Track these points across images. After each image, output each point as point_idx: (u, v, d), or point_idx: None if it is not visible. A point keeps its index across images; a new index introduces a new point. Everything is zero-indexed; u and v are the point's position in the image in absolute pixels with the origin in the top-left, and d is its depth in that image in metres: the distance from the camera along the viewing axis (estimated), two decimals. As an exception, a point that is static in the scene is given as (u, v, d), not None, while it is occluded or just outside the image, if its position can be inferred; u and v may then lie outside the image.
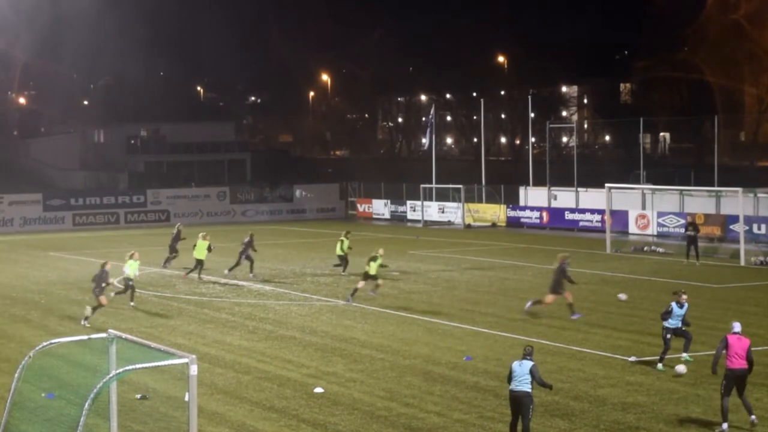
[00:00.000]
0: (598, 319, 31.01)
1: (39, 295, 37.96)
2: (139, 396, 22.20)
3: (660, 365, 24.21)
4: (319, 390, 22.69)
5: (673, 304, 24.42)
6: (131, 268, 34.37)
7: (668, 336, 24.38)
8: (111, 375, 16.00)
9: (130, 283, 34.55)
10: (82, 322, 31.16)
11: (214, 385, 23.43)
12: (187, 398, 15.68)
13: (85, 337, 18.13)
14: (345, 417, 20.67)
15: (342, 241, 42.25)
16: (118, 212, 71.32)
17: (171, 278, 42.28)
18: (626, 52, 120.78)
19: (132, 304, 34.69)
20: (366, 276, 35.18)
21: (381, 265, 35.18)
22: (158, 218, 72.04)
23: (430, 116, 71.38)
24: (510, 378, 18.43)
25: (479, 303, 34.40)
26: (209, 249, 41.96)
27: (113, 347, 16.96)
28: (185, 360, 15.11)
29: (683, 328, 24.56)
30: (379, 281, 35.50)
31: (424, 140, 72.91)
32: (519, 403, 18.26)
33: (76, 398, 21.40)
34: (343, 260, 42.40)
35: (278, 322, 31.62)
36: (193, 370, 15.02)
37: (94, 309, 31.76)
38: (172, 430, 20.01)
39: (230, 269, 42.54)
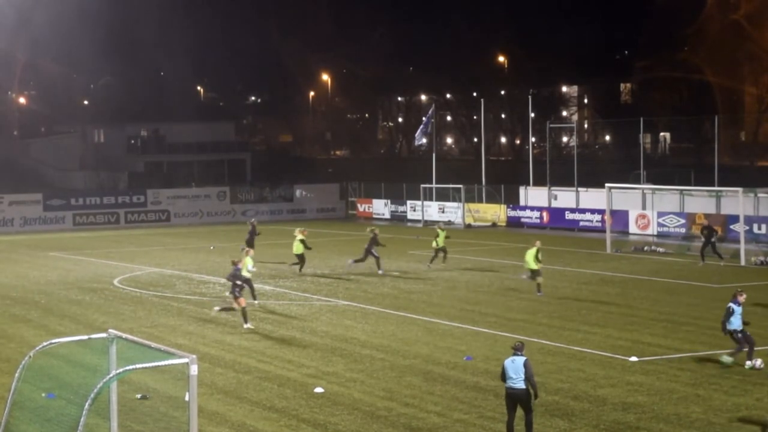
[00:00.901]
0: (598, 319, 31.01)
1: (39, 295, 37.97)
2: (139, 396, 22.20)
3: (749, 362, 24.11)
4: (319, 390, 22.69)
5: (732, 304, 24.24)
6: (246, 265, 33.31)
7: (739, 335, 24.12)
8: (111, 375, 15.99)
9: (247, 278, 33.08)
10: (246, 326, 30.17)
11: (214, 385, 23.43)
12: (187, 398, 15.68)
13: (85, 337, 18.12)
14: (345, 417, 20.67)
15: (438, 233, 43.39)
16: (118, 212, 71.33)
17: (171, 278, 42.29)
18: (626, 52, 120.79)
19: (257, 303, 34.02)
20: (532, 272, 35.63)
21: (536, 258, 35.41)
22: (158, 218, 72.05)
23: (429, 114, 71.26)
24: (504, 376, 18.40)
25: (479, 303, 34.40)
26: (304, 244, 42.11)
27: (113, 347, 16.95)
28: (185, 360, 15.10)
29: (744, 330, 24.18)
30: (540, 279, 35.52)
31: (422, 140, 72.61)
32: (519, 401, 18.29)
33: (76, 398, 21.40)
34: (442, 251, 43.31)
35: (278, 322, 31.62)
36: (193, 370, 15.01)
37: (243, 313, 30.47)
38: (172, 430, 20.01)
39: (355, 261, 43.09)
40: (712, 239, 43.47)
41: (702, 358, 25.25)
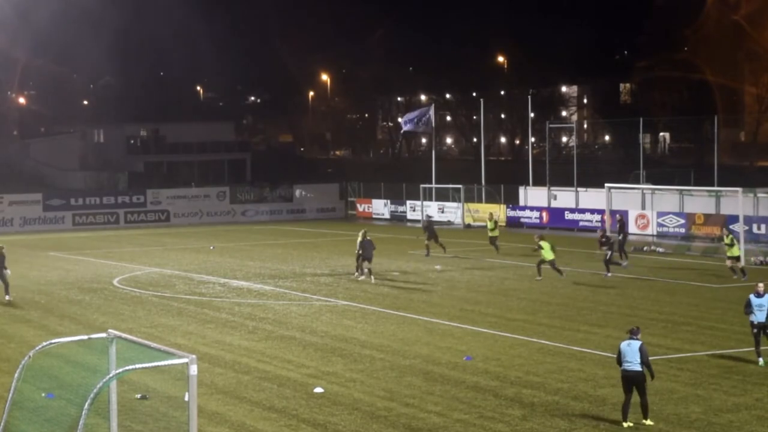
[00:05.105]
0: (598, 319, 31.00)
1: (39, 295, 37.97)
2: (139, 396, 22.20)
3: (760, 360, 24.16)
4: (319, 390, 22.69)
5: (751, 295, 24.31)
6: (546, 250, 38.17)
7: (754, 330, 24.24)
8: (111, 375, 15.98)
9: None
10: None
11: (214, 385, 23.43)
12: (187, 398, 15.69)
13: (85, 337, 18.11)
14: (345, 417, 20.67)
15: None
16: (118, 212, 71.33)
17: (171, 278, 42.30)
18: (626, 52, 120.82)
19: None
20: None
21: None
22: (158, 218, 72.05)
23: (424, 110, 71.08)
24: (619, 359, 19.54)
25: (479, 303, 34.40)
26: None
27: (113, 347, 16.94)
28: (185, 360, 15.10)
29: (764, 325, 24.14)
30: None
31: (407, 126, 72.43)
32: (634, 382, 19.37)
33: (76, 398, 21.40)
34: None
35: (278, 322, 31.62)
36: (193, 370, 15.01)
37: None
38: (172, 430, 20.01)
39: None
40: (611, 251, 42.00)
41: (701, 357, 25.25)
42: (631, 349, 19.41)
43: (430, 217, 57.02)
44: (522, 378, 23.54)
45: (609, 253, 40.18)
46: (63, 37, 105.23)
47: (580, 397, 21.81)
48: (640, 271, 41.95)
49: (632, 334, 19.63)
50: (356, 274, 40.69)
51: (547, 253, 38.72)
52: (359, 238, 40.38)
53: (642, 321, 30.34)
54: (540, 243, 39.19)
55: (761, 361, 24.15)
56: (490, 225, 49.27)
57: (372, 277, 39.71)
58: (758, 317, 24.15)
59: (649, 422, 19.56)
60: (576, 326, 29.81)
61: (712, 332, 28.27)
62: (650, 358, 25.09)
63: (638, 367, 19.38)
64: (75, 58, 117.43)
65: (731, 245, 38.44)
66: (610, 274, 39.93)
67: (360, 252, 40.11)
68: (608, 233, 41.32)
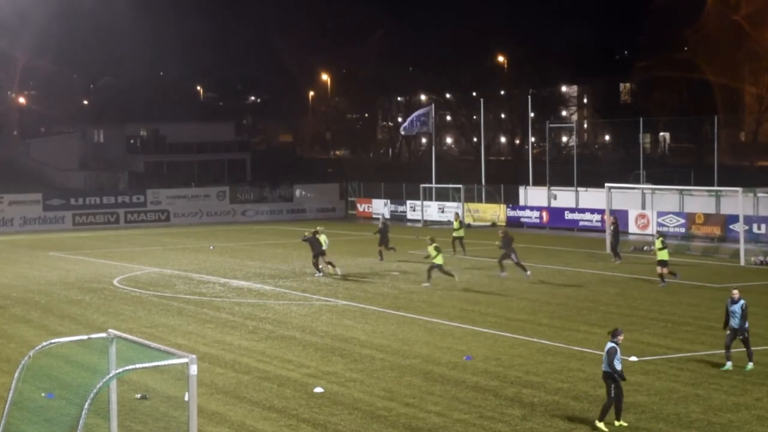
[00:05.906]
0: (598, 319, 31.00)
1: (39, 295, 37.97)
2: (139, 396, 22.20)
3: (728, 364, 23.97)
4: (319, 390, 22.70)
5: (728, 301, 24.24)
6: (435, 254, 37.89)
7: (727, 332, 24.03)
8: (111, 375, 15.98)
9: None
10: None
11: (214, 385, 23.43)
12: (187, 398, 15.69)
13: (85, 337, 18.10)
14: (345, 417, 20.67)
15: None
16: (118, 212, 71.31)
17: (171, 278, 42.30)
18: (626, 52, 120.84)
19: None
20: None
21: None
22: (158, 218, 72.04)
23: (424, 111, 71.06)
24: None
25: (479, 303, 34.40)
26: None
27: (113, 347, 16.94)
28: (185, 360, 15.09)
29: (744, 331, 23.89)
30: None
31: (411, 130, 72.58)
32: (606, 383, 19.68)
33: (76, 398, 21.40)
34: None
35: (278, 322, 31.62)
36: (193, 370, 15.00)
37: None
38: (172, 430, 20.02)
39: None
40: (512, 253, 40.48)
41: (702, 358, 25.25)
42: (606, 349, 19.70)
43: (387, 219, 54.58)
44: (522, 378, 23.55)
45: (510, 253, 40.05)
46: (63, 37, 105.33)
47: (580, 397, 21.81)
48: (641, 270, 41.94)
49: (611, 335, 19.82)
50: (318, 274, 41.81)
51: (436, 258, 37.88)
52: (309, 236, 42.26)
53: (642, 321, 30.39)
54: (429, 247, 38.50)
55: (729, 364, 23.95)
56: (455, 224, 48.59)
57: (337, 269, 41.86)
58: (732, 322, 23.99)
59: (619, 423, 19.53)
60: (576, 326, 29.82)
61: (712, 332, 28.25)
62: (650, 358, 25.28)
63: (605, 368, 19.59)
64: (75, 58, 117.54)
65: (662, 248, 37.17)
66: (504, 274, 40.14)
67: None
68: (509, 234, 41.32)
